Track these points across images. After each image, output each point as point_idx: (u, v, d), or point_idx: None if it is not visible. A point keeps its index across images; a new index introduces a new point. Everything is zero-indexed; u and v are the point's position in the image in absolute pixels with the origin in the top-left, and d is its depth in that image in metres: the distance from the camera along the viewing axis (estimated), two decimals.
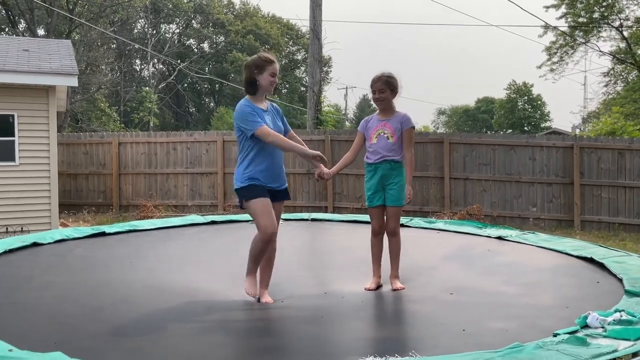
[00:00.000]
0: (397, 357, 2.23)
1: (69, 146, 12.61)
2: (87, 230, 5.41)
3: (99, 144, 12.60)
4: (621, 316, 2.59)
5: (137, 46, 29.43)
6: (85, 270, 4.09)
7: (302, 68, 39.65)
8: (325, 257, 4.97)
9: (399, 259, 3.75)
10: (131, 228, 5.64)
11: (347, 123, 44.64)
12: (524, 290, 3.50)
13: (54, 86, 9.25)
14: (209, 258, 4.59)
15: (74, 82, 9.41)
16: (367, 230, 5.89)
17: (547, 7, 20.52)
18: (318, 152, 3.44)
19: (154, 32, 35.81)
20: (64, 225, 10.25)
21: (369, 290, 3.69)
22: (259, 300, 3.43)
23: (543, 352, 2.21)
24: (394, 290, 3.61)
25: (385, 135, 3.70)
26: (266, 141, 3.35)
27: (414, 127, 3.76)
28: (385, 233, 3.80)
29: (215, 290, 3.66)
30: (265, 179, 3.40)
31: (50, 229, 8.20)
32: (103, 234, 5.35)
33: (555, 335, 2.44)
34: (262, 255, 3.43)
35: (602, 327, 2.50)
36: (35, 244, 4.76)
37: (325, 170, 3.55)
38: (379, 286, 3.72)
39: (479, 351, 2.25)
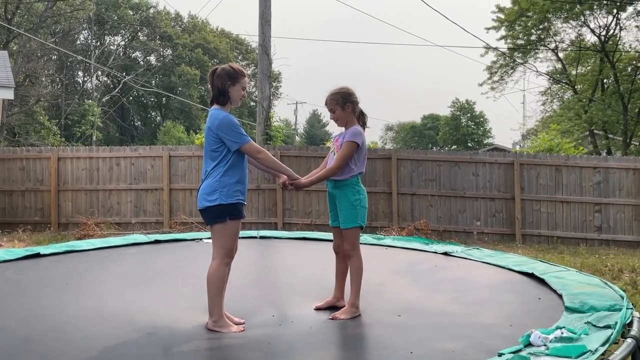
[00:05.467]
0: None
1: (4, 161, 11.97)
2: (20, 251, 5.10)
3: (37, 159, 12.02)
4: (562, 333, 2.65)
5: (79, 58, 28.48)
6: (15, 296, 3.83)
7: (252, 83, 39.54)
8: (275, 276, 4.89)
9: (358, 285, 3.48)
10: (69, 249, 5.36)
11: (297, 138, 44.75)
12: (470, 308, 3.54)
13: None
14: (152, 280, 4.41)
15: (9, 94, 8.98)
16: (315, 247, 5.88)
17: (488, 29, 21.41)
18: (299, 178, 3.45)
19: (98, 43, 34.83)
20: None
21: (319, 308, 3.62)
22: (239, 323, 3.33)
23: None
24: (330, 318, 3.39)
25: (332, 153, 3.63)
26: (255, 157, 3.28)
27: (355, 142, 3.47)
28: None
29: (157, 315, 3.50)
30: (245, 195, 3.30)
31: None
32: (38, 255, 5.06)
33: (500, 355, 2.47)
34: (225, 282, 3.29)
35: (545, 345, 2.54)
36: None
37: (304, 180, 3.50)
38: (331, 306, 3.61)
39: None
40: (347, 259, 3.59)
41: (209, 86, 3.42)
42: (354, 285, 3.50)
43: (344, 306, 3.54)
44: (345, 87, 3.63)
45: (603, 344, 2.52)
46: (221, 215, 3.22)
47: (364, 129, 3.67)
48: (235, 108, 3.47)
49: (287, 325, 3.33)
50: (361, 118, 3.69)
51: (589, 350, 2.40)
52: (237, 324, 3.32)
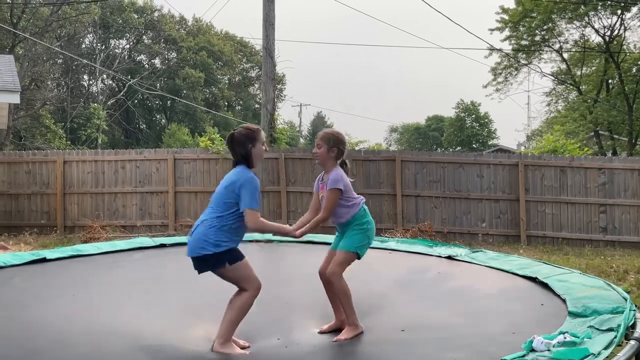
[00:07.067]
0: None
1: (10, 165, 12.05)
2: (27, 255, 5.13)
3: (43, 163, 12.10)
4: (565, 338, 2.65)
5: (84, 61, 28.62)
6: (22, 304, 3.82)
7: (256, 85, 39.54)
8: (279, 287, 4.80)
9: (350, 306, 3.46)
10: (74, 253, 5.38)
11: (301, 140, 44.78)
12: (473, 317, 3.53)
13: None
14: (159, 288, 4.37)
15: (15, 99, 9.05)
16: (321, 252, 5.81)
17: (492, 30, 21.36)
18: (292, 230, 3.53)
19: (103, 47, 35.00)
20: (3, 248, 9.74)
21: (323, 332, 3.58)
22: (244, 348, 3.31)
23: None
24: (334, 341, 3.39)
25: (322, 198, 3.66)
26: (250, 227, 3.30)
27: (339, 189, 3.52)
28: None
29: (163, 329, 3.47)
30: (238, 242, 3.36)
31: None
32: (44, 260, 5.08)
33: None
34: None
35: (548, 350, 2.55)
36: None
37: (297, 232, 3.54)
38: (335, 329, 3.56)
39: None
40: (330, 284, 3.54)
41: (229, 149, 3.42)
42: (346, 308, 3.50)
43: None
44: (341, 135, 3.73)
45: (606, 347, 2.53)
46: (228, 262, 3.23)
47: (346, 173, 3.69)
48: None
49: (293, 347, 3.27)
50: (343, 167, 3.71)
51: (592, 354, 2.41)
52: (242, 347, 3.29)
